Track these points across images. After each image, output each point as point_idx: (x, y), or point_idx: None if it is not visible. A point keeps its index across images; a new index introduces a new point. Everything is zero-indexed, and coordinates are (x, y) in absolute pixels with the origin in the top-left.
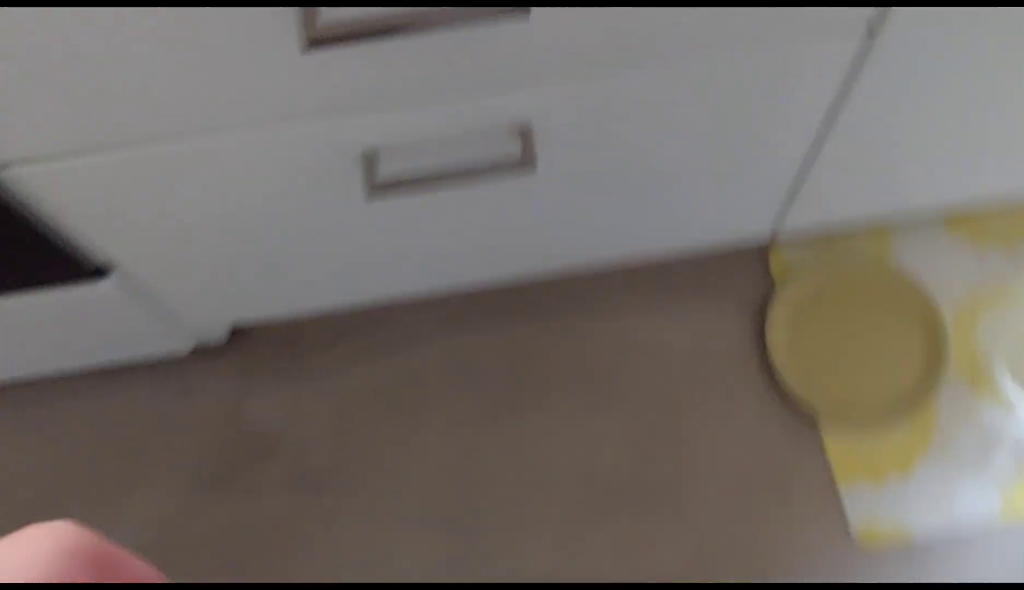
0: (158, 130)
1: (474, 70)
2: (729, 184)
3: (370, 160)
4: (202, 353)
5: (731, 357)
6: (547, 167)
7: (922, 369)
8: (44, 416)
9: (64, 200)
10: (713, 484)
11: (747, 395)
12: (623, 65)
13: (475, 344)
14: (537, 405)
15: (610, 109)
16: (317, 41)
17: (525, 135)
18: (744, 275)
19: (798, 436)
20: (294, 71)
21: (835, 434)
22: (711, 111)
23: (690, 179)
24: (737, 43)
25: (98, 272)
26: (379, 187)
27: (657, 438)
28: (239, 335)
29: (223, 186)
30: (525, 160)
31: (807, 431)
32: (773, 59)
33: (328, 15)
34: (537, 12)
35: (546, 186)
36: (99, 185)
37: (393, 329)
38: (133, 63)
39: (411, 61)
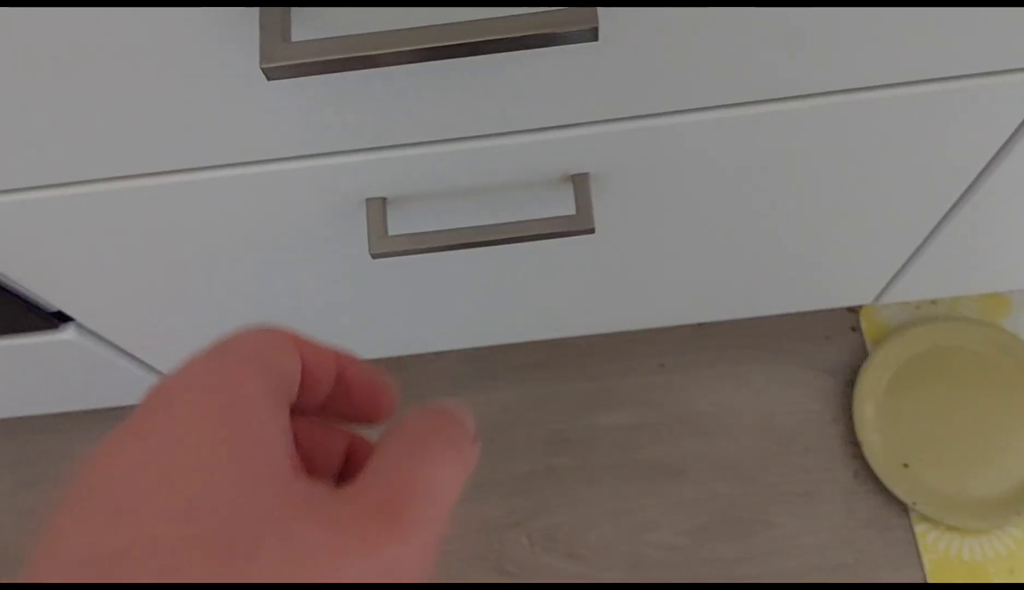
0: (97, 170)
1: (512, 100)
2: (837, 252)
3: (376, 210)
4: None
5: (811, 431)
6: (608, 225)
7: None
8: (16, 452)
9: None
10: (785, 580)
11: (829, 477)
12: (726, 99)
13: (507, 400)
14: (579, 474)
15: (698, 157)
16: (278, 71)
17: (579, 185)
18: (828, 335)
19: (888, 528)
20: (263, 101)
21: (932, 531)
22: (840, 164)
23: (790, 244)
24: (915, 72)
25: (58, 319)
26: (383, 250)
27: (722, 522)
28: None
29: (186, 233)
30: (581, 218)
31: (899, 521)
32: (948, 98)
33: (301, 27)
34: (612, 28)
35: (604, 245)
36: (35, 226)
37: (412, 378)
38: (68, 93)
39: (421, 90)
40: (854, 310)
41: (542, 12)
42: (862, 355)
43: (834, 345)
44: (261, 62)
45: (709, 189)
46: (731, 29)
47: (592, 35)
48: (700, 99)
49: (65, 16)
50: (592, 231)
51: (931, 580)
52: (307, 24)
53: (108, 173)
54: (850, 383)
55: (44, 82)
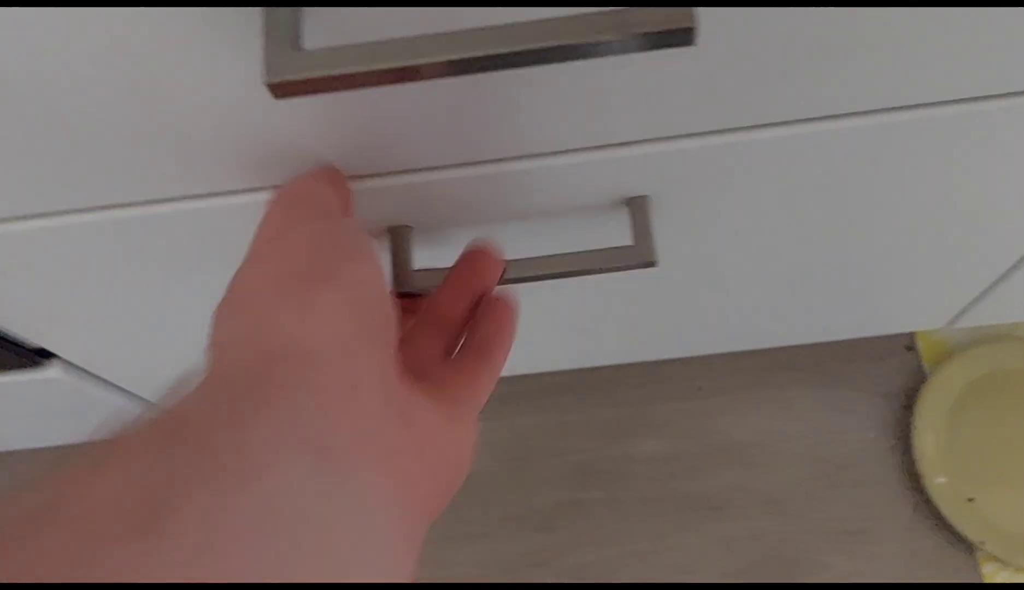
0: (70, 201)
1: (562, 114)
2: (912, 276)
3: (401, 240)
4: None
5: (865, 462)
6: (663, 252)
7: None
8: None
9: None
10: None
11: (886, 512)
12: (813, 112)
13: (530, 428)
14: (609, 509)
15: (773, 176)
16: (287, 87)
17: (637, 210)
18: (880, 355)
19: (953, 569)
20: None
21: (1000, 572)
22: (930, 181)
23: (862, 268)
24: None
25: (41, 356)
26: (405, 287)
27: (768, 563)
28: None
29: (169, 262)
30: (640, 250)
31: (964, 562)
32: None
33: (316, 32)
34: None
35: (656, 274)
36: (7, 260)
37: None
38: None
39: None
40: None
41: (623, 11)
42: (918, 377)
43: (887, 366)
44: (265, 76)
45: (779, 212)
46: (835, 34)
47: (687, 38)
48: (784, 112)
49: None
50: (653, 264)
51: None
52: (323, 28)
53: (82, 204)
54: (907, 408)
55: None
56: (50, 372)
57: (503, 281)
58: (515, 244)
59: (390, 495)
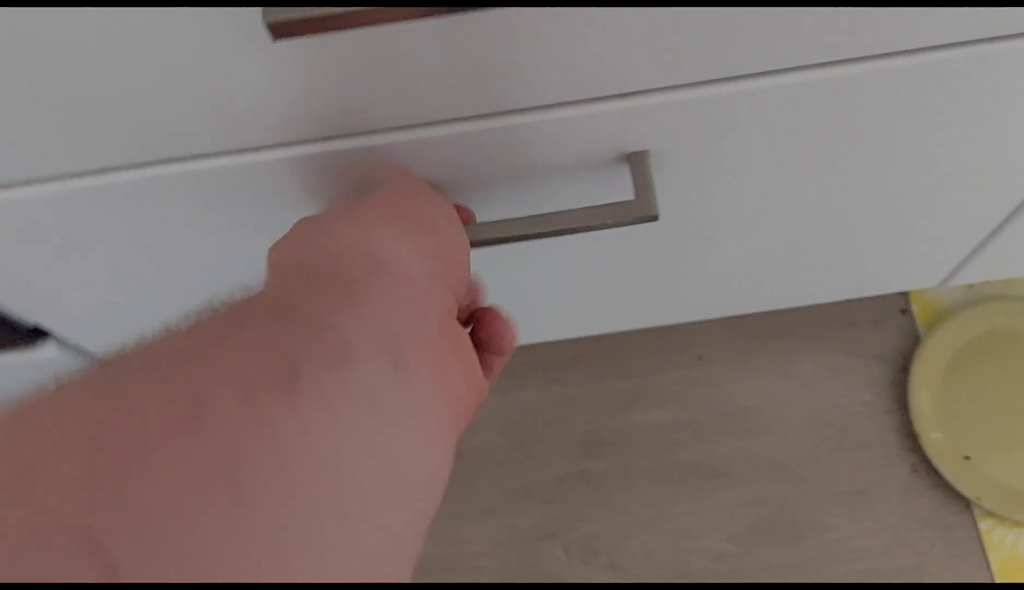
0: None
1: (557, 65)
2: (907, 234)
3: None
4: None
5: (864, 425)
6: (668, 213)
7: None
8: None
9: None
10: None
11: (885, 473)
12: (808, 59)
13: (535, 401)
14: (616, 479)
15: (770, 127)
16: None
17: (637, 165)
18: (876, 319)
19: (951, 526)
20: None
21: (997, 527)
22: (925, 131)
23: (858, 227)
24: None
25: (36, 335)
26: None
27: (772, 526)
28: None
29: (166, 229)
30: (642, 204)
31: (962, 518)
32: None
33: None
34: None
35: (655, 232)
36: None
37: None
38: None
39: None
40: (903, 291)
41: None
42: (914, 340)
43: (883, 330)
44: (264, 17)
45: (777, 165)
46: None
47: None
48: (779, 60)
49: None
50: (655, 218)
51: (999, 579)
52: None
53: (76, 168)
54: (903, 370)
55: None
56: (46, 351)
57: (511, 238)
58: (517, 204)
59: (442, 399)
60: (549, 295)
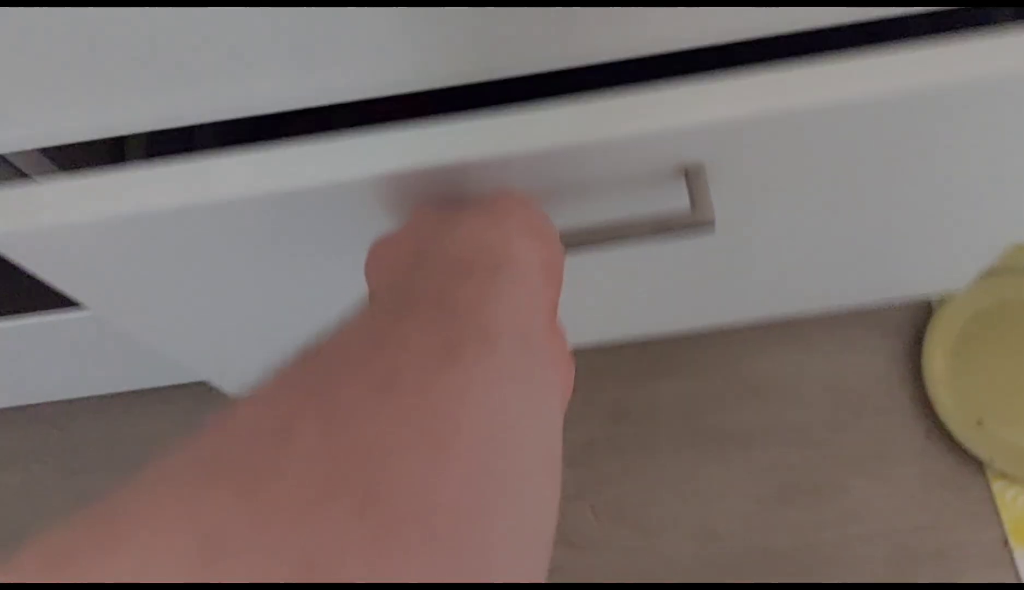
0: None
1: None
2: (947, 241)
3: None
4: None
5: (880, 393)
6: (725, 220)
7: None
8: (57, 438)
9: None
10: (860, 550)
11: (901, 438)
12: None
13: None
14: (641, 444)
15: (824, 141)
16: None
17: (693, 176)
18: None
19: (965, 487)
20: None
21: (1010, 488)
22: (977, 145)
23: (898, 234)
24: None
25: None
26: None
27: (794, 488)
28: None
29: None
30: (699, 216)
31: (975, 479)
32: None
33: None
34: None
35: (704, 242)
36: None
37: None
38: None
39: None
40: None
41: None
42: (927, 312)
43: (897, 304)
44: None
45: (829, 176)
46: None
47: None
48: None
49: None
50: (712, 226)
51: (1012, 539)
52: None
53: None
54: (916, 342)
55: None
56: (84, 312)
57: (570, 245)
58: (577, 216)
59: (555, 383)
60: (594, 300)
